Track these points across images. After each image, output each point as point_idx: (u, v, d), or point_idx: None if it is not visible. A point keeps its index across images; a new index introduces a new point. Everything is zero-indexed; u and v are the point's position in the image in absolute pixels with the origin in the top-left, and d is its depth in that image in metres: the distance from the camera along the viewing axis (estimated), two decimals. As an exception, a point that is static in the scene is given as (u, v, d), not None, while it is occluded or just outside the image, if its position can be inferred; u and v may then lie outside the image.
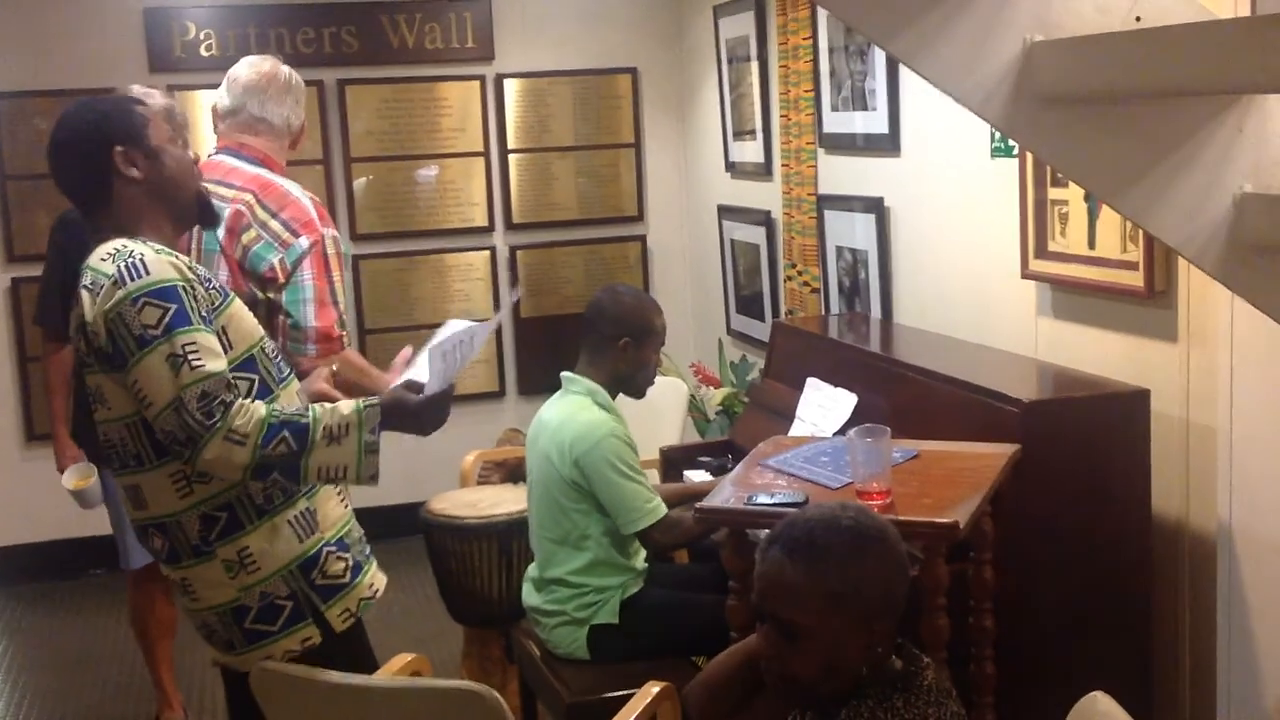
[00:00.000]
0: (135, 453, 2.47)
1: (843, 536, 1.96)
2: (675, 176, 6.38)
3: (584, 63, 6.19)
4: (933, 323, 4.16)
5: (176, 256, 2.45)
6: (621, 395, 3.62)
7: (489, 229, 6.16)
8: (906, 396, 3.49)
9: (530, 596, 3.56)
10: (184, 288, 2.38)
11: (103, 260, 2.41)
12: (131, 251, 2.40)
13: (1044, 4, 1.87)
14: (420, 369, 2.63)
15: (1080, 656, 3.00)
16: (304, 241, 3.27)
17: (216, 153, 3.48)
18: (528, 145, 6.16)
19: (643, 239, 6.37)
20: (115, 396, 2.45)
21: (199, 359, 2.34)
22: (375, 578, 2.69)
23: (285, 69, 3.50)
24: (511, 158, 6.14)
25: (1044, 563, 3.02)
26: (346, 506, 2.69)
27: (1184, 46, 1.78)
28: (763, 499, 2.63)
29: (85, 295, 2.42)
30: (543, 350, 6.08)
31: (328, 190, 5.94)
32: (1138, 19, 1.86)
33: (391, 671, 2.90)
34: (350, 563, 2.61)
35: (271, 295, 3.27)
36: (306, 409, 2.45)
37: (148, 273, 2.36)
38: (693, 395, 5.09)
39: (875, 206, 4.49)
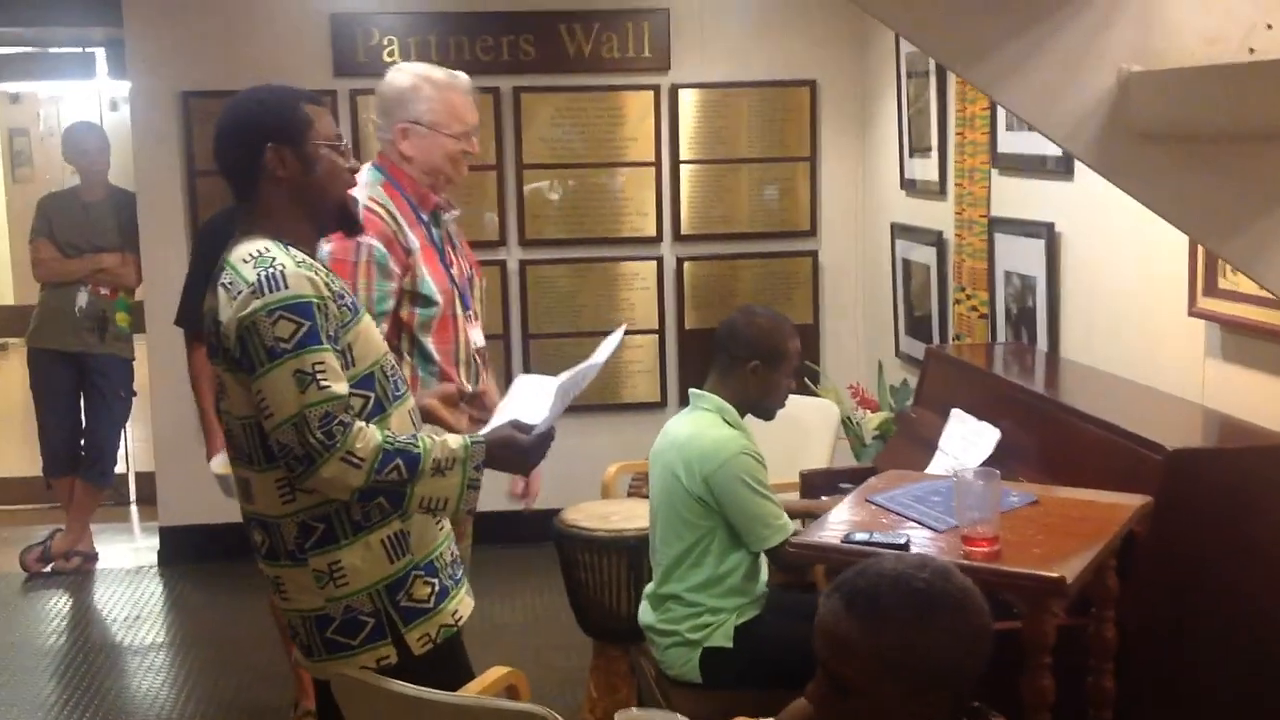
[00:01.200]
0: (248, 452, 2.51)
1: (910, 599, 1.80)
2: (851, 192, 6.22)
3: (762, 74, 6.08)
4: (1100, 358, 3.94)
5: (316, 271, 2.46)
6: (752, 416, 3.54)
7: (657, 239, 6.12)
8: (1052, 435, 3.30)
9: (646, 614, 3.50)
10: (319, 305, 2.40)
11: (244, 261, 2.43)
12: (274, 260, 2.41)
13: (1143, 32, 1.70)
14: (528, 410, 2.65)
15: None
16: (325, 247, 3.19)
17: None
18: (701, 156, 6.09)
19: (814, 255, 6.22)
20: (236, 394, 2.48)
21: (326, 380, 2.35)
22: (461, 604, 2.66)
23: (398, 74, 3.45)
24: (684, 168, 6.08)
25: (1181, 626, 2.81)
26: (441, 528, 2.66)
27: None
28: (860, 537, 2.50)
29: (222, 294, 2.44)
30: (706, 363, 5.98)
31: (499, 195, 5.99)
32: (1251, 50, 1.67)
33: (484, 685, 2.86)
34: (436, 588, 2.59)
35: None
36: (416, 439, 2.47)
37: (286, 286, 2.38)
38: (847, 418, 4.95)
39: (1046, 232, 4.28)
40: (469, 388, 3.39)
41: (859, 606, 1.82)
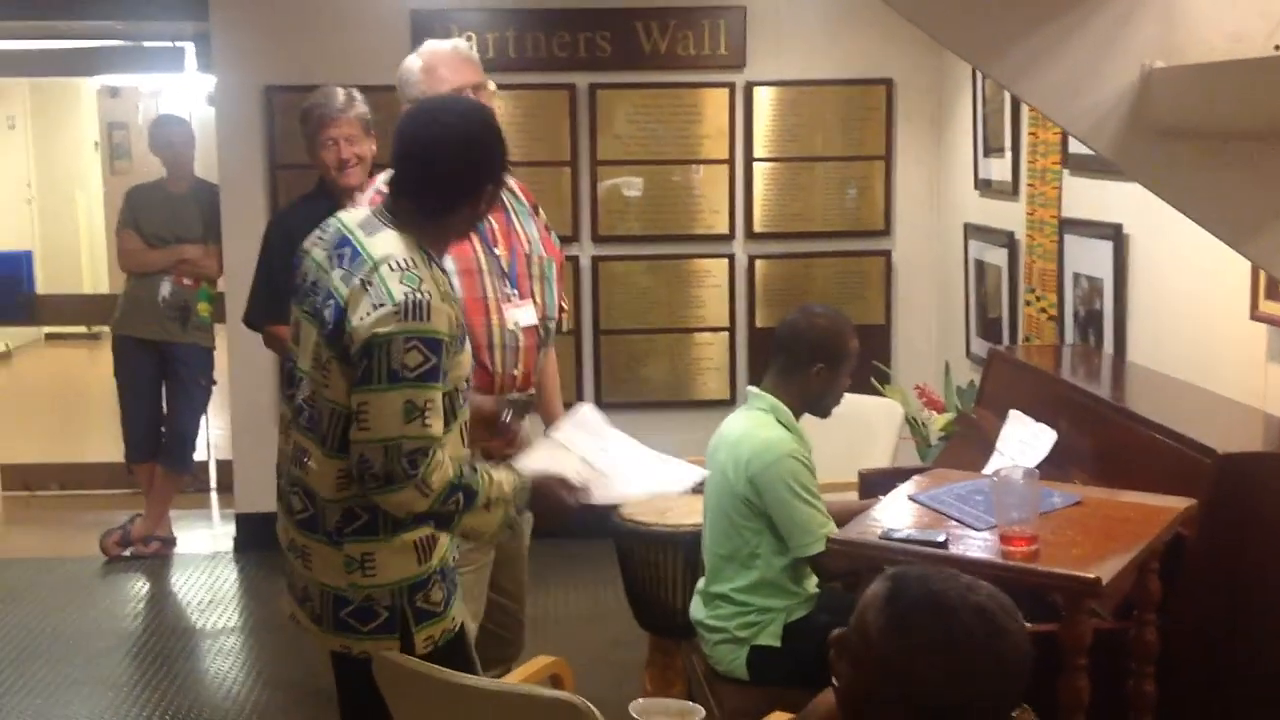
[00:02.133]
0: (324, 433, 2.53)
1: (940, 630, 1.73)
2: (925, 192, 6.18)
3: (837, 72, 6.07)
4: (1166, 362, 3.88)
5: (451, 303, 2.52)
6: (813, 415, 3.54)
7: (730, 237, 6.12)
8: (1108, 438, 3.27)
9: (697, 610, 3.52)
10: (449, 345, 2.46)
11: (390, 268, 2.45)
12: (422, 285, 2.45)
13: (1166, 28, 1.67)
14: (579, 452, 2.73)
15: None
16: None
17: None
18: (775, 154, 6.09)
19: (888, 255, 6.19)
20: (338, 382, 2.49)
21: (430, 419, 2.43)
22: (459, 610, 2.71)
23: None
24: (757, 166, 6.08)
25: (1234, 629, 2.77)
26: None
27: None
28: (899, 533, 2.50)
29: (360, 291, 2.44)
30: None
31: (573, 191, 6.04)
32: (1277, 47, 1.65)
33: (528, 673, 2.91)
34: (445, 593, 2.65)
35: None
36: (478, 474, 2.54)
37: (429, 319, 2.43)
38: (913, 419, 4.92)
39: (1114, 233, 4.22)
40: (499, 368, 3.30)
41: (895, 605, 1.78)
